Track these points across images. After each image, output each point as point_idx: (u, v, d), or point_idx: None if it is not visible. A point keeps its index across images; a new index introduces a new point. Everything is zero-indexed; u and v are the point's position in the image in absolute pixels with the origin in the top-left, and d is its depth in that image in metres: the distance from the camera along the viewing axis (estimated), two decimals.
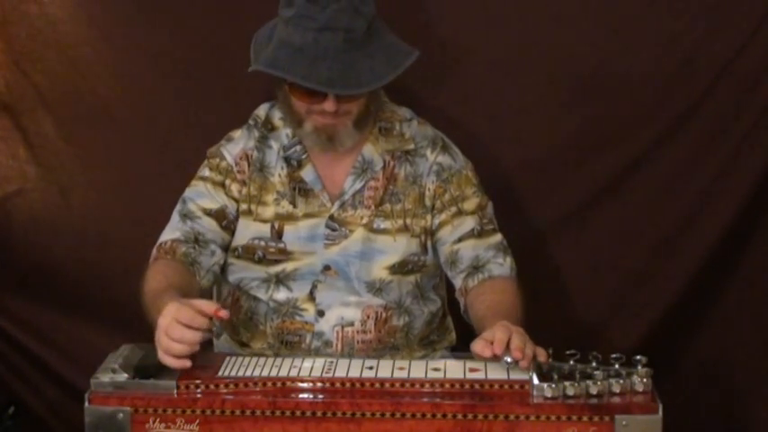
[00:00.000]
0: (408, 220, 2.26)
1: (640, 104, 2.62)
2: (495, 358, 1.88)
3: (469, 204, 2.28)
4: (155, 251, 2.25)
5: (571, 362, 1.86)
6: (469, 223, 2.27)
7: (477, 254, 2.25)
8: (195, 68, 2.66)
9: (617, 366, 1.84)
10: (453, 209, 2.27)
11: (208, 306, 1.91)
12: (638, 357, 1.84)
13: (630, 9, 2.58)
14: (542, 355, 1.89)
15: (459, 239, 2.26)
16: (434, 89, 2.63)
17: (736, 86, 2.58)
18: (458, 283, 2.27)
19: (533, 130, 2.66)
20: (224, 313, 1.91)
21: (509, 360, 1.87)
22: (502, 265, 2.25)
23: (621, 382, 1.81)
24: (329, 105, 2.12)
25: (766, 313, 2.68)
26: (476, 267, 2.24)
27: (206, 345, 1.98)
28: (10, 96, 2.73)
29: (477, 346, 1.91)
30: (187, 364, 1.88)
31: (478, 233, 2.27)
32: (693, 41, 2.58)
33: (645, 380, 1.81)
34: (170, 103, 2.70)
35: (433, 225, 2.28)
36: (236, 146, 2.30)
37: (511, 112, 2.65)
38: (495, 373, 1.88)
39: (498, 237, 2.29)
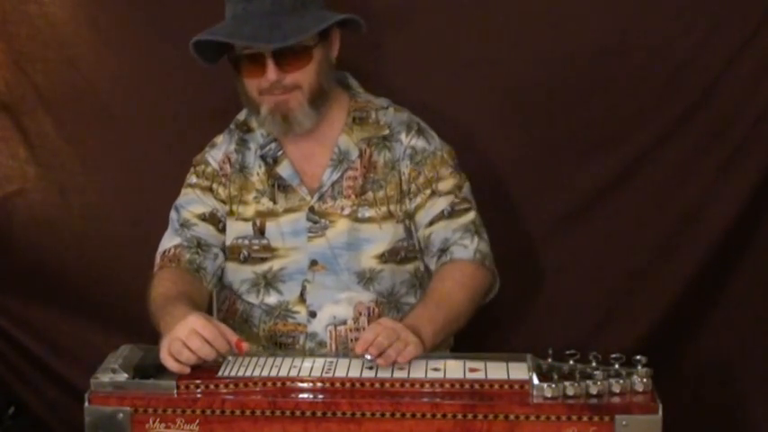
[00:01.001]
0: (392, 207, 2.26)
1: (640, 104, 2.62)
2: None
3: (445, 185, 2.27)
4: (158, 259, 2.25)
5: (571, 362, 1.86)
6: (440, 204, 2.26)
7: (446, 236, 2.25)
8: (195, 68, 2.65)
9: (617, 366, 1.84)
10: (428, 191, 2.26)
11: (231, 334, 1.93)
12: (638, 357, 1.84)
13: (631, 8, 2.58)
14: (404, 359, 1.89)
15: (431, 223, 2.26)
16: (434, 87, 2.63)
17: (736, 86, 2.58)
18: (431, 266, 2.27)
19: (533, 129, 2.65)
20: (246, 347, 1.93)
21: (368, 357, 1.89)
22: (466, 248, 2.23)
23: (621, 382, 1.81)
24: (270, 74, 2.14)
25: (766, 313, 2.68)
26: (443, 250, 2.24)
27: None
28: (10, 96, 2.73)
29: (356, 346, 1.93)
30: (186, 370, 1.88)
31: (449, 213, 2.26)
32: (693, 41, 2.57)
33: (645, 380, 1.81)
34: (170, 102, 2.70)
35: (410, 209, 2.27)
36: (218, 151, 2.33)
37: (510, 111, 2.65)
38: (495, 373, 1.88)
39: (471, 215, 2.27)
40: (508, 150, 2.66)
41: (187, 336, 1.88)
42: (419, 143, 2.28)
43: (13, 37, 2.69)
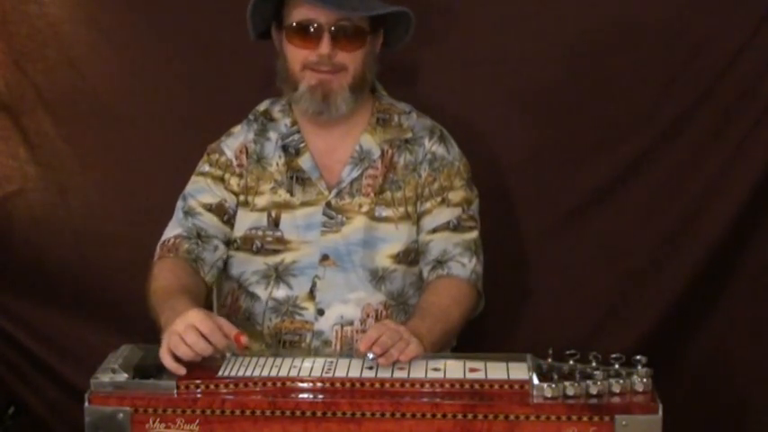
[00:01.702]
0: (410, 208, 2.27)
1: (640, 104, 2.62)
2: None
3: (455, 196, 2.29)
4: (158, 249, 2.26)
5: (571, 362, 1.86)
6: (447, 215, 2.27)
7: (446, 248, 2.26)
8: (195, 68, 2.67)
9: (617, 366, 1.84)
10: (439, 198, 2.28)
11: (229, 328, 1.92)
12: (638, 357, 1.84)
13: (631, 9, 2.58)
14: (406, 357, 1.90)
15: (434, 230, 2.27)
16: (435, 88, 2.63)
17: (736, 86, 2.58)
18: (424, 273, 2.28)
19: (533, 129, 2.66)
20: (244, 340, 1.93)
21: (370, 356, 1.89)
22: (464, 266, 2.24)
23: (621, 382, 1.81)
24: (324, 47, 2.16)
25: (766, 313, 2.68)
26: (440, 262, 2.25)
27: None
28: (10, 96, 2.73)
29: (360, 345, 1.94)
30: (182, 371, 1.88)
31: (454, 227, 2.27)
32: (693, 41, 2.58)
33: (645, 380, 1.81)
34: (170, 102, 2.71)
35: (418, 211, 2.28)
36: (235, 140, 2.32)
37: (511, 111, 2.65)
38: (495, 373, 1.88)
39: (474, 234, 2.29)
40: (509, 150, 2.67)
41: (184, 330, 1.88)
42: (440, 150, 2.30)
43: (13, 37, 2.69)
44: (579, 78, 2.61)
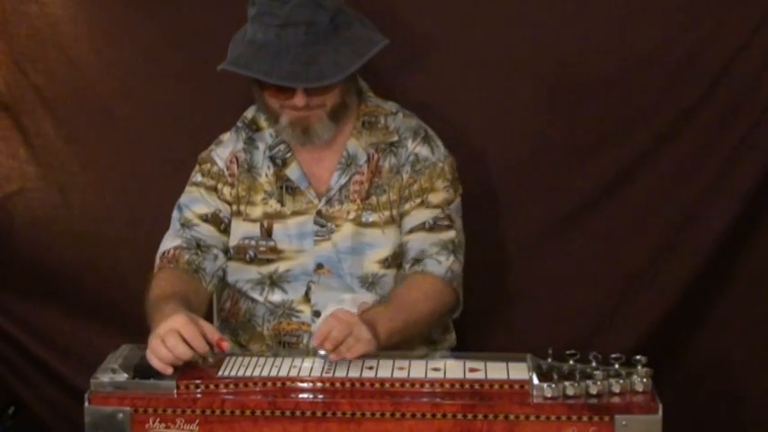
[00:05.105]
0: (395, 212, 2.26)
1: (640, 104, 2.62)
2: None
3: (436, 197, 2.27)
4: (158, 260, 2.26)
5: (571, 362, 1.86)
6: (425, 215, 2.26)
7: (424, 248, 2.25)
8: (195, 68, 2.66)
9: (617, 366, 1.84)
10: (418, 200, 2.27)
11: (212, 332, 1.92)
12: (638, 357, 1.84)
13: (630, 8, 2.58)
14: (352, 355, 1.90)
15: (411, 231, 2.26)
16: (429, 90, 2.62)
17: (736, 86, 2.58)
18: (404, 272, 2.28)
19: (534, 129, 2.65)
20: (225, 345, 1.93)
21: (321, 353, 1.90)
22: (440, 264, 2.23)
23: (621, 382, 1.81)
24: (299, 100, 2.14)
25: (766, 313, 2.68)
26: (417, 260, 2.25)
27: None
28: (10, 96, 2.73)
29: (313, 339, 1.95)
30: (168, 370, 1.88)
31: (430, 227, 2.26)
32: (693, 41, 2.57)
33: (645, 380, 1.81)
34: (170, 102, 2.70)
35: (399, 212, 2.27)
36: (225, 149, 2.31)
37: (509, 111, 2.65)
38: (495, 373, 1.88)
39: (451, 234, 2.27)
40: (509, 150, 2.66)
41: (166, 333, 1.88)
42: (423, 151, 2.28)
43: (13, 37, 2.69)
44: (579, 78, 2.61)
